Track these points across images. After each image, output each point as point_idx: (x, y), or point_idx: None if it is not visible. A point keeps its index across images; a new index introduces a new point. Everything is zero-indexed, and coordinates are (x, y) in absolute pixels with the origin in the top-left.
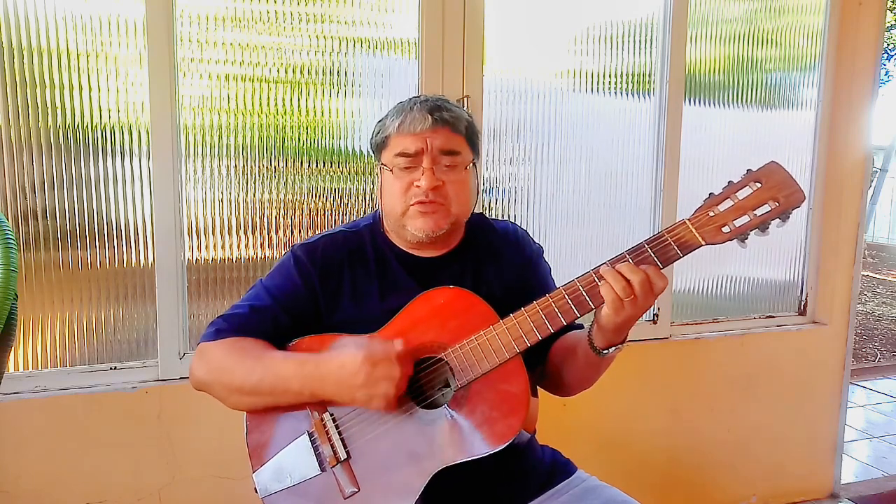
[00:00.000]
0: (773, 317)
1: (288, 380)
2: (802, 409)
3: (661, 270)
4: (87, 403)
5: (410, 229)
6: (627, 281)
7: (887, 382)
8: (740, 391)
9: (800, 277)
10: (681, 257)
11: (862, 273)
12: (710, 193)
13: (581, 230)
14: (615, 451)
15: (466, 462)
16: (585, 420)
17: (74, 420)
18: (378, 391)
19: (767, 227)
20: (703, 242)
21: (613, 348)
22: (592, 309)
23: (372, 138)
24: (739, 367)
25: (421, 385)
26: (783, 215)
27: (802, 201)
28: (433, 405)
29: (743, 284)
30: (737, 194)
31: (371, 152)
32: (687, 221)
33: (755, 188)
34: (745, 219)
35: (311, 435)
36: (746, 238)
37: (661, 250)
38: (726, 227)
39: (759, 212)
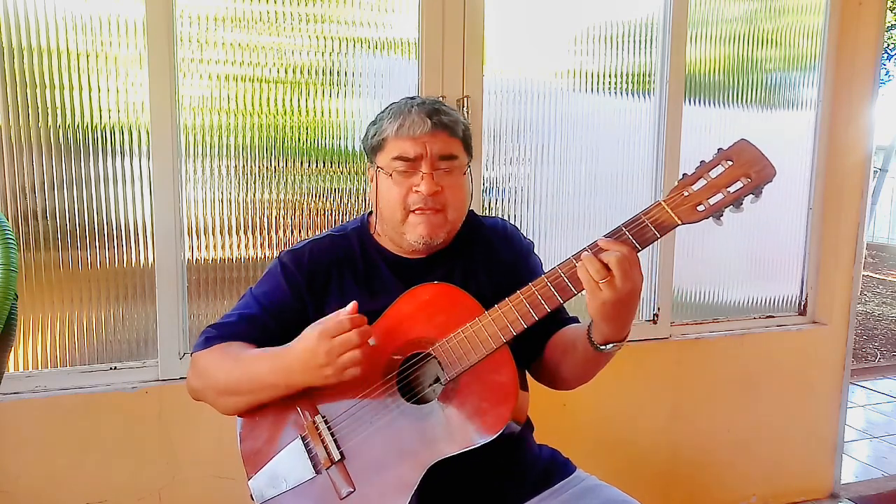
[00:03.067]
0: (773, 317)
1: (262, 375)
2: (802, 408)
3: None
4: (87, 403)
5: (409, 238)
6: (601, 262)
7: (887, 382)
8: (740, 391)
9: (800, 277)
10: (658, 238)
11: (862, 273)
12: (683, 174)
13: (581, 230)
14: (615, 451)
15: (461, 457)
16: (585, 420)
17: (74, 420)
18: (343, 361)
19: (741, 204)
20: (680, 222)
21: (612, 345)
22: (575, 294)
23: (366, 140)
24: (739, 367)
25: (411, 381)
26: (755, 191)
27: (773, 175)
28: (424, 400)
29: (743, 284)
30: (709, 173)
31: (364, 153)
32: (662, 202)
33: (727, 166)
34: (718, 196)
35: (304, 438)
36: (721, 215)
37: (639, 232)
38: (701, 205)
39: (731, 189)
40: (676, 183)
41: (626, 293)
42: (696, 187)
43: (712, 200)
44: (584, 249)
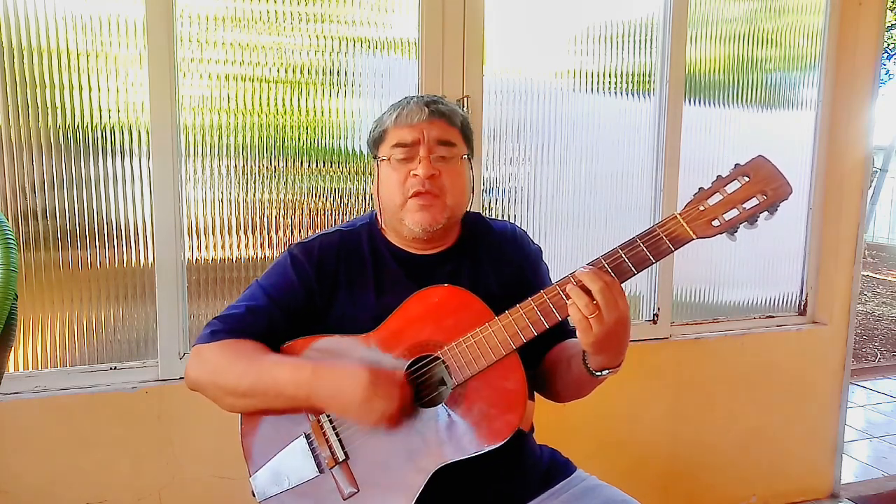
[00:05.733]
0: (773, 317)
1: (282, 384)
2: (802, 409)
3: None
4: (87, 403)
5: (408, 223)
6: (589, 293)
7: (887, 382)
8: (740, 391)
9: (800, 277)
10: (673, 251)
11: (862, 273)
12: (699, 188)
13: (581, 230)
14: (615, 451)
15: (465, 460)
16: (585, 420)
17: (74, 420)
18: (376, 407)
19: (756, 220)
20: (695, 236)
21: (607, 371)
22: None
23: (369, 135)
24: (739, 367)
25: (418, 384)
26: (771, 208)
27: (789, 194)
28: (431, 403)
29: (743, 284)
30: (725, 188)
31: (369, 150)
32: (678, 215)
33: (743, 182)
34: (734, 212)
35: (307, 437)
36: (736, 231)
37: (653, 245)
38: (716, 220)
39: (747, 205)
40: (693, 196)
41: (613, 323)
42: (711, 202)
43: (727, 216)
44: (598, 259)
